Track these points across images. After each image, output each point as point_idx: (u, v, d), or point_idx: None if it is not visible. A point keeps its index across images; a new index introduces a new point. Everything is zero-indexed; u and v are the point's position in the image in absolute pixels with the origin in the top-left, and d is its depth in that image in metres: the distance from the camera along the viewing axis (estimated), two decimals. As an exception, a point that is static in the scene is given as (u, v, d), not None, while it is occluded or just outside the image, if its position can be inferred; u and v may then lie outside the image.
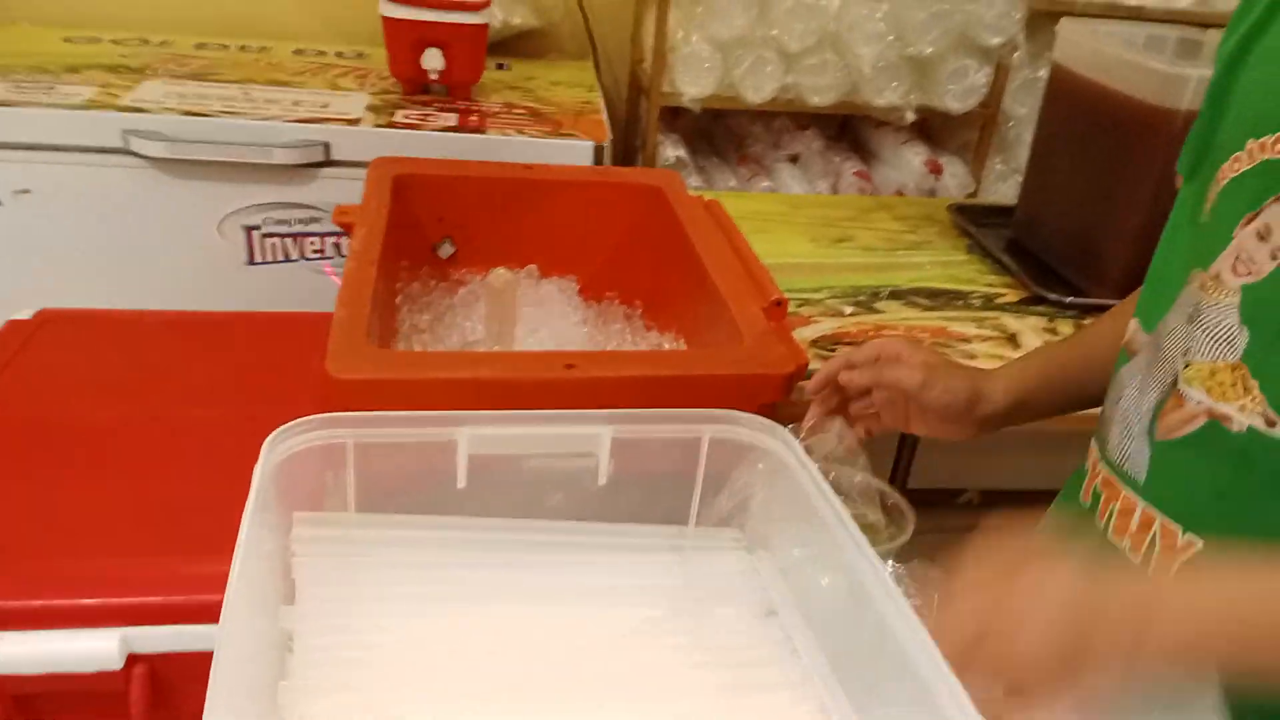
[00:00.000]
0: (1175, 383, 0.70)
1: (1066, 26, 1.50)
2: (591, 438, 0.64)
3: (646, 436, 0.66)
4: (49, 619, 0.72)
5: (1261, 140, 0.67)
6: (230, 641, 0.48)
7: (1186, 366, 0.69)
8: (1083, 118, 1.45)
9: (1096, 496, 0.77)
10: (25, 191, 1.41)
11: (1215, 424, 0.67)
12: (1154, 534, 0.71)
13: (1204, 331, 0.68)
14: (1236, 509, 0.66)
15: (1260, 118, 0.67)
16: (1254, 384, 0.64)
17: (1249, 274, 0.65)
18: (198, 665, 0.75)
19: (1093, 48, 1.42)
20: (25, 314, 1.08)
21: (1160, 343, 0.73)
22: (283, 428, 0.60)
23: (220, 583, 0.74)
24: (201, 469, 0.87)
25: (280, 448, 0.59)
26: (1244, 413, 0.65)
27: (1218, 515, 0.68)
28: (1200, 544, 0.68)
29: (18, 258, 1.45)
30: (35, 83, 1.50)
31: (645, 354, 1.10)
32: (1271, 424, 0.63)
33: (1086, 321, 1.26)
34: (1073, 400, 0.88)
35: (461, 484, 0.63)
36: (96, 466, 0.87)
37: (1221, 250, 0.68)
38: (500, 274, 0.98)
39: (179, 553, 0.77)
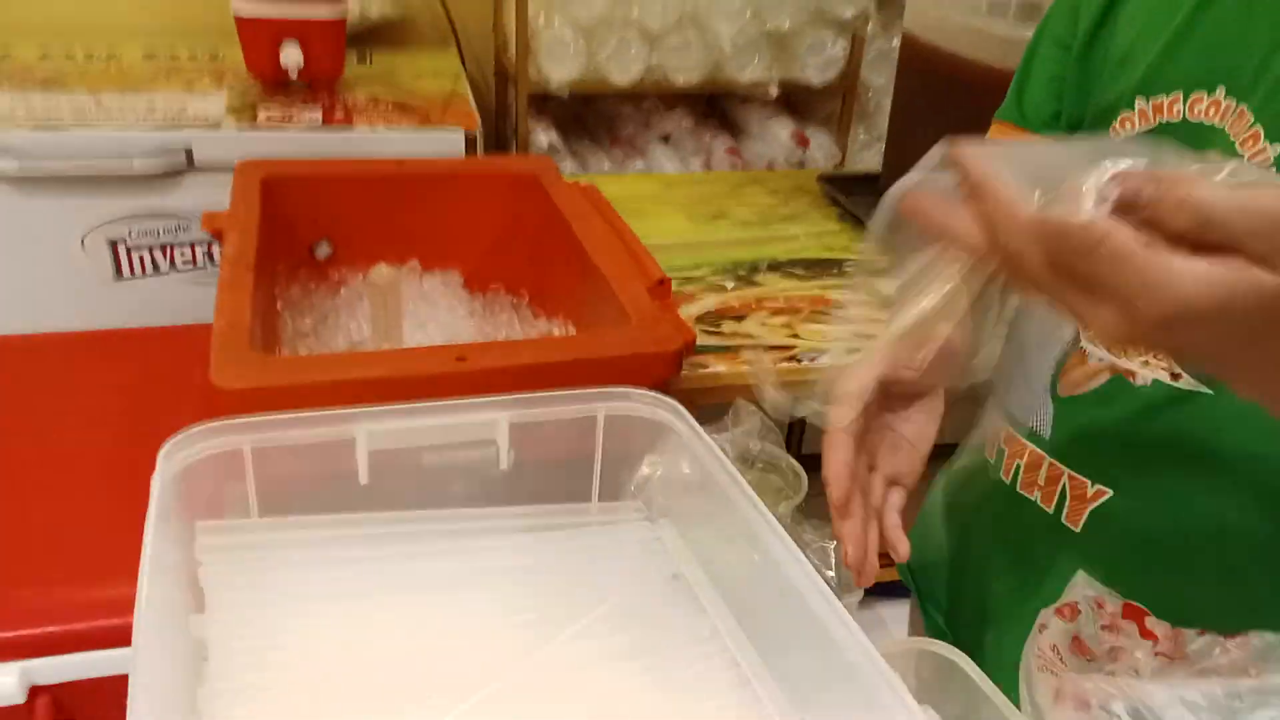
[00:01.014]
0: (1077, 340, 0.71)
1: (913, -3, 1.56)
2: (489, 424, 0.65)
3: (544, 419, 0.67)
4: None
5: (1156, 101, 0.66)
6: (145, 654, 0.48)
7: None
8: (935, 84, 1.51)
9: (1001, 454, 0.79)
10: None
11: (1120, 378, 0.68)
12: (1063, 486, 0.73)
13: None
14: (1144, 458, 0.68)
15: (1152, 77, 0.66)
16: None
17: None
18: (103, 691, 0.75)
19: (938, 15, 1.48)
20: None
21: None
22: (177, 437, 0.59)
23: (120, 605, 0.73)
24: (90, 492, 0.85)
25: (176, 458, 0.59)
26: (1148, 368, 0.66)
27: (1125, 466, 0.69)
28: (1110, 493, 0.70)
29: None
30: None
31: (536, 341, 1.11)
32: (1175, 376, 0.65)
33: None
34: None
35: (364, 480, 0.63)
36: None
37: None
38: (382, 271, 0.98)
39: (75, 579, 0.76)
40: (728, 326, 1.21)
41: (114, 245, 1.44)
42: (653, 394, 0.68)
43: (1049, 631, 0.73)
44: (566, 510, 0.70)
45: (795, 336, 1.19)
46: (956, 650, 0.66)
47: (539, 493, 0.69)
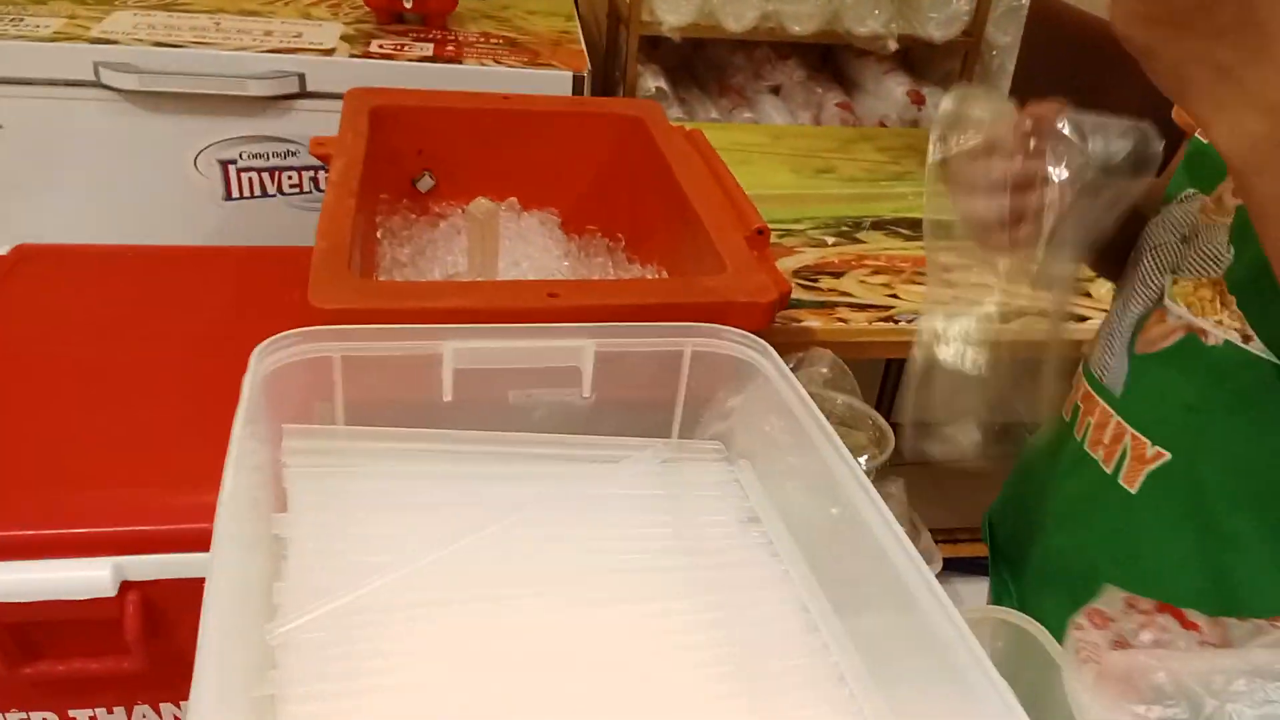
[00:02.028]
0: (1160, 299, 0.72)
1: (1049, -48, 1.49)
2: (575, 350, 0.64)
3: (629, 350, 0.66)
4: (43, 549, 0.73)
5: None
6: (225, 544, 0.48)
7: (1174, 283, 0.71)
8: (1065, 44, 1.44)
9: (1076, 410, 0.80)
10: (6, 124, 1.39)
11: (1193, 337, 0.69)
12: (1125, 446, 0.73)
13: (1195, 250, 0.70)
14: (1204, 422, 0.69)
15: None
16: (1231, 300, 0.67)
17: None
18: (190, 592, 0.77)
19: (1075, -27, 1.41)
20: (1, 249, 1.06)
21: (1149, 259, 0.75)
22: (269, 340, 0.60)
23: (209, 512, 0.75)
24: (186, 402, 0.87)
25: (268, 360, 0.60)
26: (1220, 327, 0.67)
27: (1185, 429, 0.70)
28: (1169, 456, 0.71)
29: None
30: (0, 15, 1.47)
31: (628, 283, 1.10)
32: (1247, 339, 0.66)
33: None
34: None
35: (447, 398, 0.63)
36: (83, 399, 0.87)
37: (1225, 175, 0.69)
38: (482, 203, 0.98)
39: (168, 483, 0.78)
40: (825, 282, 1.18)
41: (225, 166, 1.47)
42: (742, 333, 0.67)
43: (1085, 631, 0.72)
44: (645, 444, 0.70)
45: (894, 297, 1.15)
46: (1033, 622, 0.66)
47: (619, 426, 0.68)
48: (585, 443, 0.67)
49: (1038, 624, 0.65)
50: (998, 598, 0.91)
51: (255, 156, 1.47)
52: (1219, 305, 0.67)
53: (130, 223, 1.46)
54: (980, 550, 0.94)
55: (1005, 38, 2.10)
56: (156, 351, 0.95)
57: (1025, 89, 1.55)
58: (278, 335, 0.60)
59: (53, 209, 1.45)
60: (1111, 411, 0.75)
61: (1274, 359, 0.64)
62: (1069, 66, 1.43)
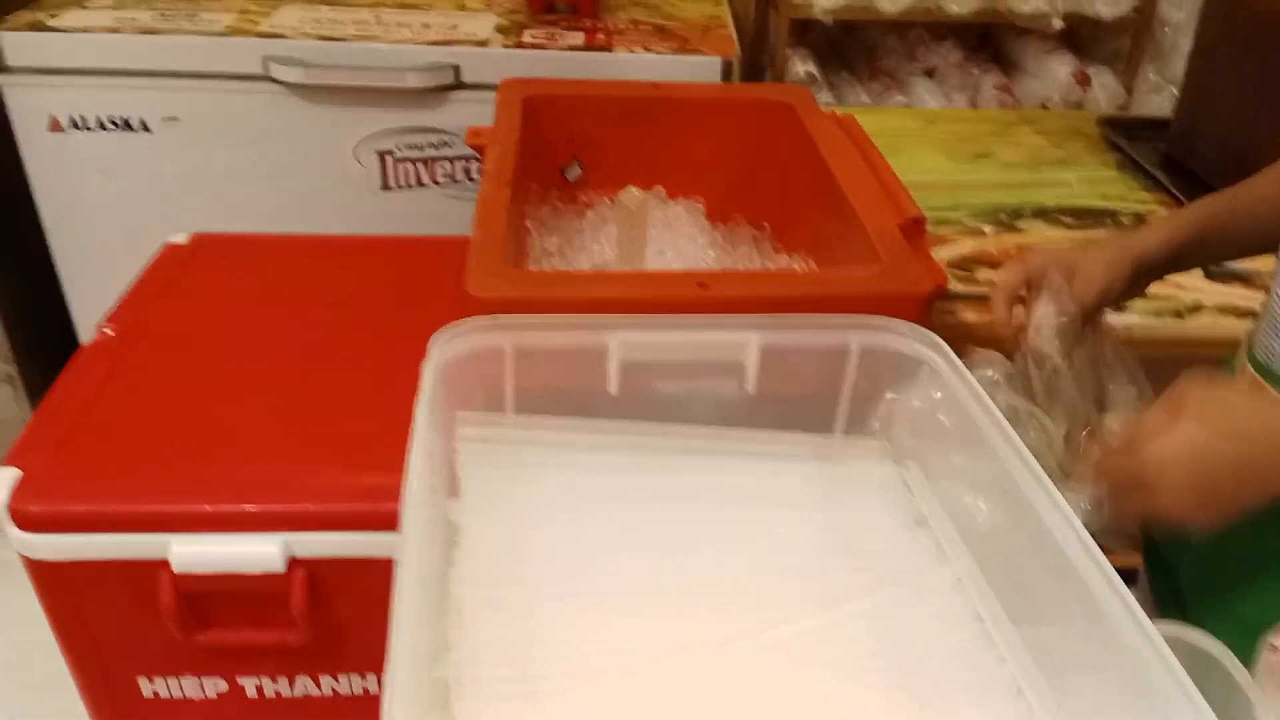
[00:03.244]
0: None
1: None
2: (740, 344, 0.64)
3: (795, 344, 0.65)
4: (218, 523, 0.77)
5: None
6: (413, 528, 0.50)
7: None
8: (1246, 22, 1.34)
9: None
10: (174, 119, 1.47)
11: None
12: None
13: None
14: None
15: None
16: None
17: None
18: (354, 570, 0.80)
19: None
20: (181, 238, 1.13)
21: None
22: (445, 329, 0.62)
23: (376, 492, 0.78)
24: (351, 386, 0.91)
25: (446, 349, 0.61)
26: None
27: None
28: None
29: (167, 182, 1.52)
30: (176, 10, 1.55)
31: (778, 274, 1.08)
32: None
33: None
34: (1237, 244, 0.84)
35: (613, 390, 0.64)
36: (256, 381, 0.92)
37: None
38: (632, 193, 0.98)
39: (335, 463, 0.81)
40: (982, 274, 1.13)
41: (383, 156, 1.52)
42: (912, 325, 0.65)
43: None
44: (809, 441, 0.69)
45: (1057, 290, 1.10)
46: (1215, 641, 0.61)
47: (780, 420, 0.68)
48: (748, 436, 0.67)
49: (1220, 644, 0.61)
50: (1160, 610, 0.86)
51: (411, 147, 1.52)
52: None
53: (293, 211, 1.52)
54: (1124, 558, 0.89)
55: (1179, 14, 1.97)
56: (323, 336, 0.99)
57: (1201, 70, 1.46)
58: (452, 325, 0.62)
59: (222, 198, 1.53)
60: None
61: None
62: (1248, 44, 1.33)
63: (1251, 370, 0.74)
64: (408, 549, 0.48)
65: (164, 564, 0.78)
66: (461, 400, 0.60)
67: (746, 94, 1.42)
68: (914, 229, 0.94)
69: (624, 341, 0.63)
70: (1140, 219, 1.29)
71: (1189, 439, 0.59)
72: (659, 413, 0.66)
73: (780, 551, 0.61)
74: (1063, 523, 0.52)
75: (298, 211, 1.53)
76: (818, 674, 0.54)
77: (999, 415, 0.58)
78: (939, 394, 0.63)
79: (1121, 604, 0.48)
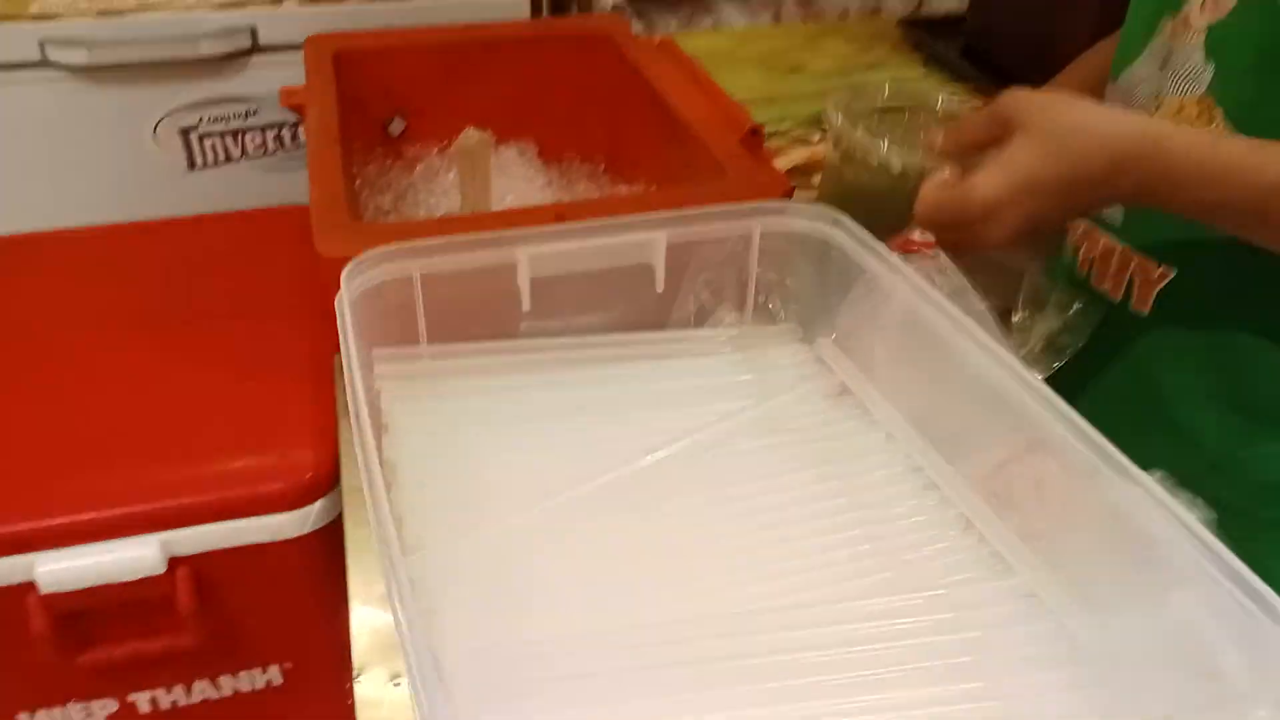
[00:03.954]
0: None
1: None
2: (647, 244, 0.64)
3: (700, 238, 0.66)
4: (86, 533, 0.73)
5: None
6: (373, 467, 0.47)
7: (1157, 108, 0.73)
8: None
9: (1076, 249, 0.82)
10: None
11: None
12: (1130, 272, 0.76)
13: (1173, 73, 0.72)
14: (1203, 233, 0.69)
15: None
16: (1218, 112, 0.68)
17: (1214, 12, 0.69)
18: (238, 560, 0.77)
19: None
20: (-21, 242, 1.04)
21: (1131, 92, 0.77)
22: (353, 263, 0.59)
23: (247, 475, 0.75)
24: (197, 371, 0.86)
25: (354, 282, 0.58)
26: None
27: (1188, 243, 0.72)
28: (1174, 273, 0.73)
29: None
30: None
31: (635, 197, 1.08)
32: None
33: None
34: None
35: (526, 306, 0.63)
36: (95, 382, 0.86)
37: None
38: (471, 134, 0.95)
39: (200, 452, 0.77)
40: (817, 178, 1.16)
41: (186, 134, 1.43)
42: (813, 205, 0.67)
43: None
44: (723, 333, 0.71)
45: (892, 184, 1.14)
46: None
47: (691, 319, 0.69)
48: (662, 338, 0.69)
49: None
50: None
51: (216, 120, 1.43)
52: (1207, 119, 0.69)
53: (94, 203, 1.41)
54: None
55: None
56: (155, 324, 0.94)
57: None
58: (359, 257, 0.59)
59: (12, 197, 1.40)
60: (1115, 240, 0.77)
61: None
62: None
63: (1084, 222, 0.80)
64: (373, 492, 0.46)
65: (30, 586, 0.73)
66: (375, 335, 0.58)
67: (562, 28, 1.40)
68: (753, 141, 0.95)
69: (533, 254, 0.62)
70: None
71: (1021, 172, 0.59)
72: (573, 325, 0.65)
73: (718, 441, 0.62)
74: (1000, 366, 0.54)
75: (100, 203, 1.41)
76: (787, 537, 0.56)
77: (914, 275, 0.60)
78: (845, 269, 0.65)
79: (1059, 418, 0.50)
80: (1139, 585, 0.47)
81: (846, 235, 0.65)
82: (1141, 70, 0.76)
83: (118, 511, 0.73)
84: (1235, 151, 0.62)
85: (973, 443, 0.57)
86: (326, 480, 0.77)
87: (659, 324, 0.69)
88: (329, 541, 0.79)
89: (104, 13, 1.36)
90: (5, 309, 0.96)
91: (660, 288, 0.66)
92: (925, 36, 1.55)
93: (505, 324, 0.64)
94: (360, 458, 0.47)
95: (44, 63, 1.33)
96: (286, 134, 1.47)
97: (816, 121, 1.31)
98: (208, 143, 1.45)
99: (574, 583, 0.53)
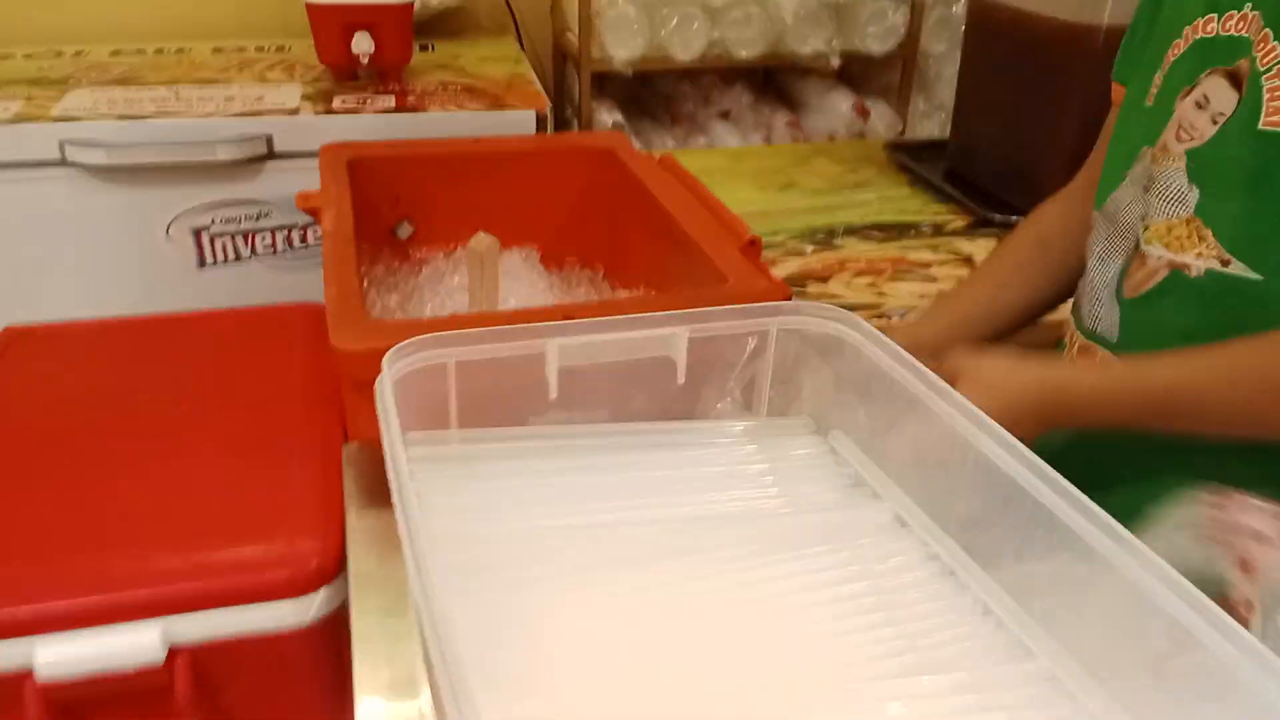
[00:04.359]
0: (1137, 246, 0.78)
1: None
2: (669, 339, 0.66)
3: (719, 334, 0.69)
4: (85, 617, 0.72)
5: (1194, 23, 0.76)
6: (420, 542, 0.48)
7: (1146, 229, 0.77)
8: (1006, 43, 1.49)
9: (1073, 362, 0.85)
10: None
11: (1177, 273, 0.74)
12: None
13: (1158, 196, 0.76)
14: (1190, 347, 0.73)
15: (1193, 5, 0.76)
16: (1207, 232, 0.72)
17: (1191, 139, 0.74)
18: (238, 651, 0.77)
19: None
20: (-7, 332, 1.05)
21: (1117, 215, 0.81)
22: (395, 349, 0.61)
23: (250, 564, 0.75)
24: (204, 458, 0.87)
25: (396, 367, 0.60)
26: (1201, 259, 0.72)
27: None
28: None
29: None
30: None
31: (639, 299, 1.11)
32: (1226, 263, 0.71)
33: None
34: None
35: (553, 395, 0.65)
36: (99, 466, 0.87)
37: (1165, 125, 0.76)
38: (482, 238, 0.99)
39: (204, 539, 0.78)
40: (813, 288, 1.21)
41: (197, 233, 1.47)
42: (826, 306, 0.70)
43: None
44: (740, 427, 0.73)
45: (881, 295, 1.18)
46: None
47: (711, 411, 0.72)
48: (683, 428, 0.71)
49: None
50: None
51: (227, 221, 1.47)
52: (1196, 239, 0.73)
53: (105, 297, 1.45)
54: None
55: (940, 46, 2.16)
56: (166, 416, 0.95)
57: (969, 91, 1.60)
58: (399, 345, 0.61)
59: (28, 290, 1.43)
60: (1112, 356, 0.80)
61: (1255, 276, 0.70)
62: (1009, 62, 1.48)
63: (1081, 337, 0.83)
64: (418, 554, 0.47)
65: (27, 675, 0.72)
66: (406, 420, 0.59)
67: (566, 142, 1.46)
68: (751, 250, 0.99)
69: (562, 345, 0.64)
70: (939, 228, 1.40)
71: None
72: (596, 416, 0.68)
73: (738, 521, 0.63)
74: (1016, 462, 0.55)
75: (111, 297, 1.45)
76: (808, 620, 0.58)
77: (928, 373, 0.62)
78: (860, 366, 0.67)
79: (1076, 510, 0.51)
80: (1157, 666, 0.48)
81: (859, 334, 0.68)
82: (1125, 195, 0.80)
83: (119, 596, 0.73)
84: (1122, 372, 0.73)
85: (989, 532, 0.59)
86: (331, 569, 0.77)
87: (677, 415, 0.72)
88: (331, 633, 0.79)
89: (123, 116, 1.41)
90: (18, 394, 0.97)
91: (681, 380, 0.69)
92: (909, 159, 1.62)
93: (530, 411, 0.67)
94: (402, 525, 0.48)
95: (64, 162, 1.38)
96: (295, 235, 1.51)
97: (809, 235, 1.36)
98: (219, 242, 1.49)
99: (598, 652, 0.54)
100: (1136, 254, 0.78)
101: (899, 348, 0.65)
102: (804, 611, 0.57)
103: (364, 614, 0.69)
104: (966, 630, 0.57)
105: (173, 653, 0.74)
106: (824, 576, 0.60)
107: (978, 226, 1.41)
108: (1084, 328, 0.84)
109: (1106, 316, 0.81)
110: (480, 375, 0.63)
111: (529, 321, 0.85)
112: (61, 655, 0.71)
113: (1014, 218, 1.40)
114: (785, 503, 0.67)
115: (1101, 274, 0.82)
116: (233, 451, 0.88)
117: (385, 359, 0.60)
